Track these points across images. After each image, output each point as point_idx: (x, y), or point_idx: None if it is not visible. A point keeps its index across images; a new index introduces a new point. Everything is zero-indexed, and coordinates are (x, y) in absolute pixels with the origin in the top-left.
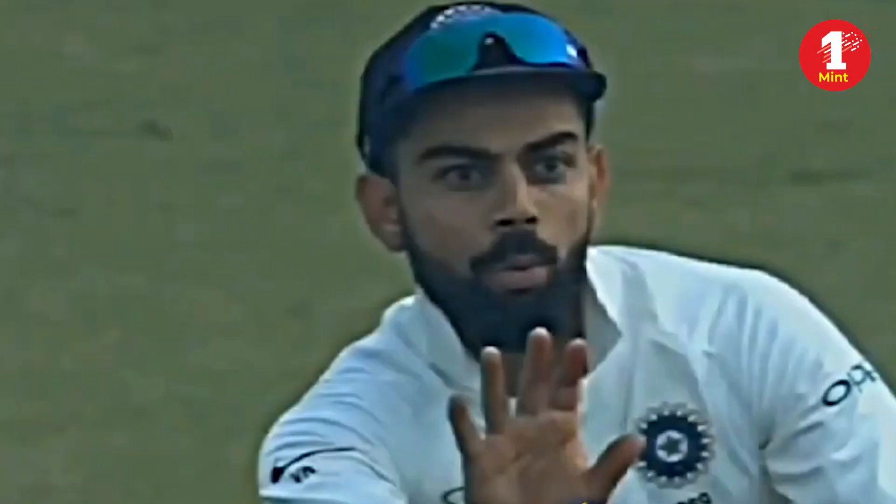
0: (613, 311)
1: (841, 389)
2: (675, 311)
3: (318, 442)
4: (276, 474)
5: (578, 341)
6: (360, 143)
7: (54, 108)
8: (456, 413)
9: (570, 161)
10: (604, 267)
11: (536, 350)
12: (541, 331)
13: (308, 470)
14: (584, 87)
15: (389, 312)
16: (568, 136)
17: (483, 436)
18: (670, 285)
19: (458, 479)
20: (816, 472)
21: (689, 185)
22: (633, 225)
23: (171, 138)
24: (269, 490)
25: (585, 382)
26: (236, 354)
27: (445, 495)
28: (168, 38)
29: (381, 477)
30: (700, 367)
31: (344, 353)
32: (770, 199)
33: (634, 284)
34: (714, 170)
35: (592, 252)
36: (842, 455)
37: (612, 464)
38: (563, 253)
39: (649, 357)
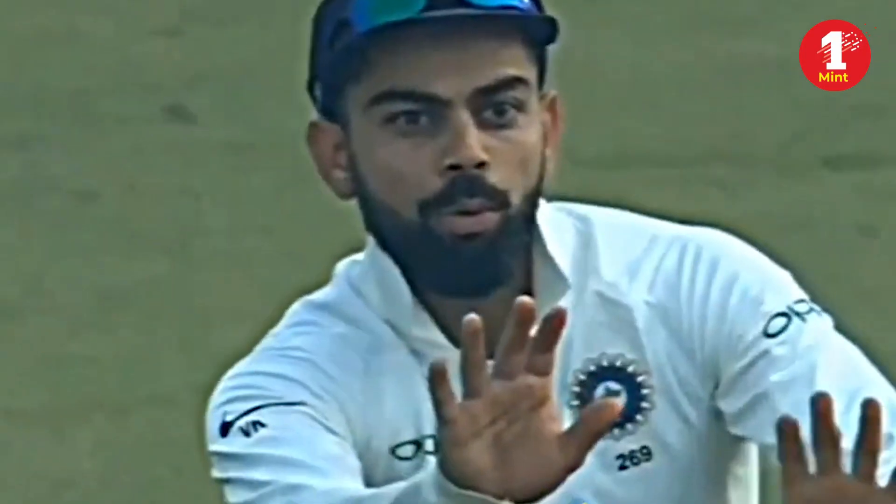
0: (564, 264)
1: (781, 321)
2: (619, 263)
3: (268, 396)
4: (225, 428)
5: (560, 307)
6: (311, 89)
7: (75, 91)
8: (435, 378)
9: (520, 106)
10: (557, 221)
11: (521, 317)
12: (526, 298)
13: (258, 424)
14: (536, 31)
15: (341, 266)
16: (518, 80)
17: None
18: (618, 239)
19: (405, 433)
20: (761, 398)
21: (720, 170)
22: (664, 210)
23: (194, 122)
24: (218, 445)
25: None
26: (259, 340)
27: (393, 449)
28: (190, 21)
29: (331, 431)
30: (640, 317)
31: (295, 306)
32: (801, 183)
33: (585, 238)
34: (745, 154)
35: (546, 207)
36: (782, 376)
37: (586, 428)
38: (515, 198)
39: (591, 308)
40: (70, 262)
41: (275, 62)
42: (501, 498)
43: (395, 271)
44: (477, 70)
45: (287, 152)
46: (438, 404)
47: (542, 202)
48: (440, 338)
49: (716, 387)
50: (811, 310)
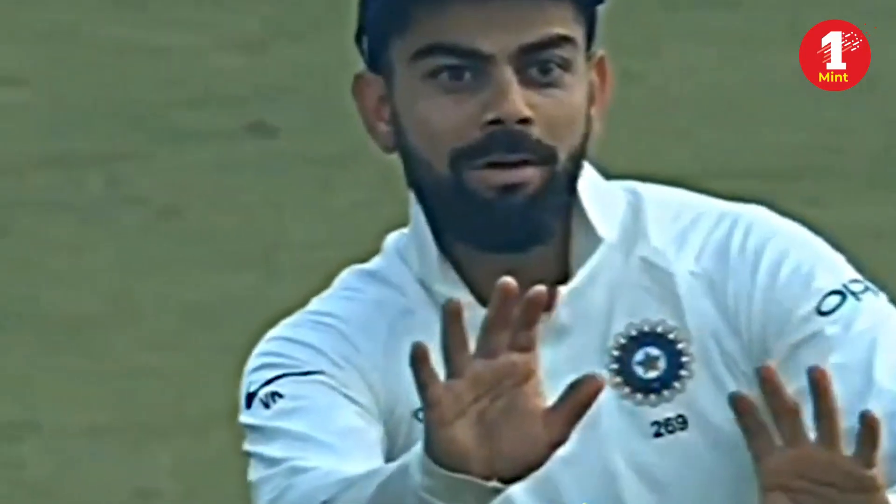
0: (604, 227)
1: (835, 299)
2: (667, 233)
3: (289, 365)
4: (249, 399)
5: (539, 288)
6: (358, 40)
7: (159, 106)
8: (417, 359)
9: (566, 65)
10: (609, 193)
11: (503, 298)
12: (508, 279)
13: (276, 395)
14: None
15: (390, 238)
16: (565, 39)
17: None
18: (667, 210)
19: None
20: None
21: (811, 183)
22: None
23: (276, 136)
24: (244, 416)
25: (566, 291)
26: None
27: (416, 412)
28: (272, 36)
29: (352, 400)
30: (684, 286)
31: (344, 273)
32: (891, 196)
33: (635, 209)
34: (835, 167)
35: (600, 179)
36: (837, 358)
37: (571, 404)
38: (562, 155)
39: (637, 273)
40: (153, 276)
41: None
42: (488, 478)
43: (425, 225)
44: (523, 27)
45: (370, 165)
46: (422, 386)
47: (586, 164)
48: (465, 295)
49: None
50: (866, 289)
